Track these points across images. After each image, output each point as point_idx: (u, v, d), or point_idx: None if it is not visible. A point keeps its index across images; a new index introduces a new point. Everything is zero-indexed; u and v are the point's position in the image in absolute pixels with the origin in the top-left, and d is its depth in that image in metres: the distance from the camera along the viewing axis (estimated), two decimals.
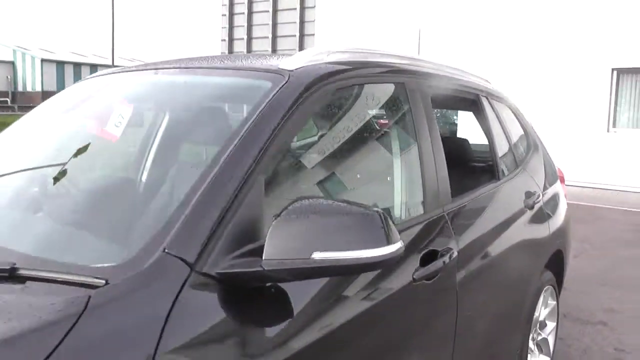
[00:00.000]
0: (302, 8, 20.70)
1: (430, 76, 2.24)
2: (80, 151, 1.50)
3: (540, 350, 3.14)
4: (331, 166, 1.79)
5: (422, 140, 2.00)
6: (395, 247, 1.22)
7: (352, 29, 13.89)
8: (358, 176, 1.93)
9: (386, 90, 2.00)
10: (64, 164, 1.47)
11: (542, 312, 3.07)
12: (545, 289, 3.05)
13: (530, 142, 3.29)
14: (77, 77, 56.85)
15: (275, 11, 21.56)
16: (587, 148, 10.08)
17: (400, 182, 1.95)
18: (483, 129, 2.81)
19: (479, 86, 2.83)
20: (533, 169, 3.13)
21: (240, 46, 22.58)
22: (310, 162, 1.70)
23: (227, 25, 22.42)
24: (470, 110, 2.80)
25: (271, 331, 1.25)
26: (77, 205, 1.52)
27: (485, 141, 2.87)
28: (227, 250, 1.21)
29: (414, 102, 2.02)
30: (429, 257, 1.78)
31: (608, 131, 10.34)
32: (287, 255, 1.16)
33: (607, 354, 3.68)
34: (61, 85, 54.86)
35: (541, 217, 2.96)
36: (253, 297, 1.25)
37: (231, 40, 23.03)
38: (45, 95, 50.11)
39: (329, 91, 1.64)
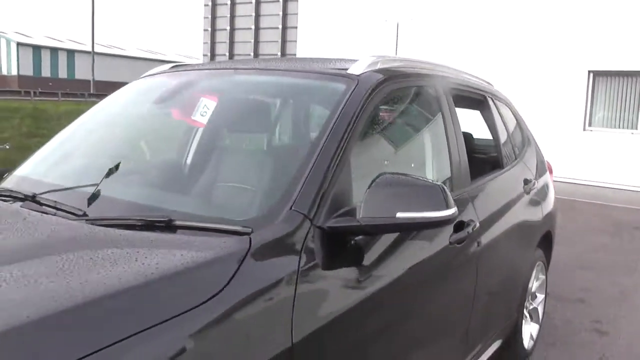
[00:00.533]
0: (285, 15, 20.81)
1: (452, 80, 2.69)
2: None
3: (532, 318, 3.62)
4: (392, 149, 2.22)
5: (449, 133, 2.44)
6: (452, 211, 1.65)
7: (334, 28, 14.24)
8: (408, 158, 2.37)
9: (423, 91, 2.43)
10: (190, 141, 1.87)
11: (534, 284, 3.56)
12: (537, 264, 3.53)
13: (524, 137, 3.77)
14: (54, 62, 56.06)
15: (257, 15, 21.63)
16: (564, 145, 10.66)
17: (437, 164, 2.40)
18: (488, 125, 3.27)
19: (485, 88, 3.29)
20: (528, 160, 3.61)
21: (222, 48, 22.62)
22: (377, 146, 2.13)
23: (210, 29, 22.43)
24: (478, 109, 3.25)
25: (357, 270, 1.68)
26: (218, 172, 1.92)
27: (483, 135, 3.35)
28: (331, 211, 1.63)
29: (443, 101, 2.47)
30: (459, 226, 2.23)
31: (584, 130, 10.95)
32: (377, 214, 1.59)
33: (586, 325, 4.20)
34: (38, 71, 54.09)
35: (535, 201, 3.45)
36: (345, 246, 1.67)
37: (214, 30, 23.10)
38: (22, 79, 49.39)
39: (387, 91, 2.06)
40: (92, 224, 1.56)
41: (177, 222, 1.52)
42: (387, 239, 1.83)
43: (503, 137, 3.31)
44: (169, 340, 1.16)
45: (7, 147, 12.61)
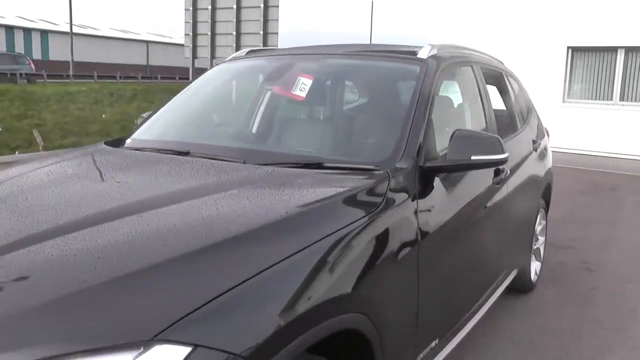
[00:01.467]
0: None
1: (482, 61, 3.39)
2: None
3: (535, 257, 4.39)
4: (452, 112, 2.93)
5: (484, 101, 3.14)
6: (506, 154, 2.35)
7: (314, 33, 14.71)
8: (462, 118, 3.07)
9: (466, 70, 3.12)
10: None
11: (538, 228, 4.31)
12: (540, 210, 4.29)
13: (529, 106, 4.49)
14: (28, 43, 55.05)
15: (238, 21, 21.78)
16: (545, 117, 11.39)
17: (478, 123, 3.09)
18: (503, 96, 3.97)
19: (501, 67, 3.99)
20: (532, 124, 4.34)
21: (204, 52, 22.66)
22: (443, 110, 2.82)
23: (191, 33, 22.42)
24: (497, 84, 3.95)
25: (440, 197, 2.37)
26: (344, 131, 2.60)
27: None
28: (426, 158, 2.30)
29: (479, 77, 3.16)
30: (496, 172, 2.94)
31: (563, 102, 11.76)
32: (458, 157, 2.27)
33: (577, 265, 5.00)
34: (11, 51, 53.11)
35: (540, 158, 4.19)
36: (431, 181, 2.34)
37: (195, 35, 23.11)
38: None
39: (447, 70, 2.75)
40: (258, 165, 2.20)
41: (327, 164, 2.20)
42: (456, 178, 2.53)
43: (515, 105, 4.03)
44: (352, 237, 1.75)
45: None
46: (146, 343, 1.20)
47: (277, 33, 20.99)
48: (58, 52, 53.68)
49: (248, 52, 3.39)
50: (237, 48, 21.66)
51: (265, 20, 21.33)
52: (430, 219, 2.20)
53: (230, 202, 1.83)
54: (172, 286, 1.35)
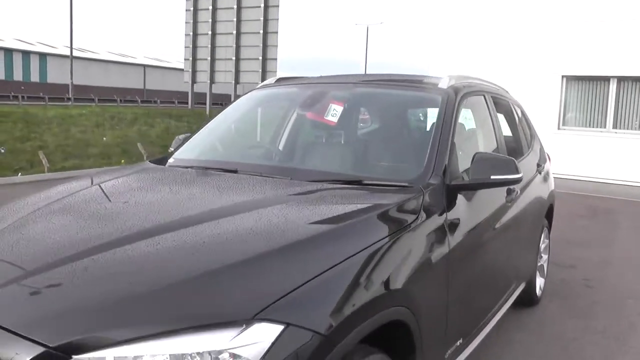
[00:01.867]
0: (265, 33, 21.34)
1: (493, 90, 3.71)
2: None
3: (539, 273, 4.66)
4: (466, 136, 3.24)
5: (496, 127, 3.45)
6: (521, 174, 2.64)
7: (312, 33, 15.14)
8: (476, 142, 3.37)
9: (481, 98, 3.44)
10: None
11: (542, 246, 4.60)
12: (544, 229, 4.58)
13: (532, 132, 4.82)
14: (26, 65, 55.51)
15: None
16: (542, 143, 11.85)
17: (491, 146, 3.39)
18: (510, 124, 4.29)
19: (508, 95, 4.32)
20: (536, 149, 4.66)
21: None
22: (460, 135, 3.12)
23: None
24: (503, 111, 4.27)
25: (462, 211, 2.65)
26: (376, 152, 2.89)
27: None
28: (451, 177, 2.58)
29: (490, 105, 3.48)
30: (508, 192, 3.23)
31: (558, 129, 12.18)
32: (480, 176, 2.56)
33: (578, 282, 5.28)
34: (10, 74, 53.51)
35: (544, 180, 4.50)
36: (455, 198, 2.63)
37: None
38: None
39: (464, 99, 3.05)
40: (307, 181, 2.48)
41: (366, 182, 2.48)
42: (475, 195, 2.81)
43: (521, 131, 4.35)
44: (398, 242, 2.03)
45: (3, 150, 13.15)
46: (248, 321, 1.47)
47: (276, 59, 21.48)
48: (56, 75, 54.09)
49: (277, 80, 3.70)
50: (237, 73, 22.01)
51: (265, 46, 21.75)
52: (456, 230, 2.48)
53: (293, 211, 2.12)
54: (263, 276, 1.62)
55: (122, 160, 13.49)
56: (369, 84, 3.33)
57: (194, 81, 23.25)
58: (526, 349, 3.73)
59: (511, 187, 3.25)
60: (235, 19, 21.33)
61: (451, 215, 2.48)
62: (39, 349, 1.41)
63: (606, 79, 11.72)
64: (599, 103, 11.94)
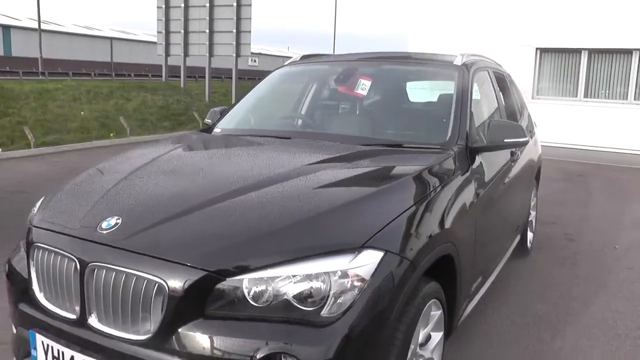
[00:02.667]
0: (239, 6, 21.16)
1: (494, 66, 4.22)
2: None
3: (529, 228, 5.25)
4: (490, 106, 3.73)
5: (498, 97, 3.96)
6: (528, 137, 3.16)
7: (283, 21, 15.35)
8: (486, 110, 3.87)
9: (485, 73, 3.92)
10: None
11: (531, 202, 5.18)
12: (533, 189, 5.16)
13: (522, 102, 5.36)
14: None
15: (212, 6, 21.83)
16: None
17: (497, 115, 3.89)
18: (505, 95, 4.80)
19: (504, 70, 4.83)
20: (527, 118, 5.20)
21: (177, 49, 22.63)
22: (481, 106, 3.60)
23: (164, 31, 22.32)
24: (500, 86, 4.77)
25: (481, 169, 3.14)
26: (410, 120, 3.37)
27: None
28: (471, 140, 3.06)
29: (493, 79, 3.98)
30: (512, 153, 3.75)
31: (532, 98, 12.82)
32: (495, 139, 3.06)
33: (560, 236, 5.91)
34: None
35: (534, 145, 5.05)
36: (474, 159, 3.11)
37: (167, 32, 23.15)
38: None
39: (475, 74, 3.54)
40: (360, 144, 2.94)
41: (405, 145, 2.96)
42: (490, 156, 3.31)
43: (514, 101, 4.88)
44: (444, 192, 2.52)
45: None
46: (359, 249, 1.94)
47: (249, 31, 21.53)
48: (20, 48, 52.67)
49: (302, 57, 4.13)
50: (211, 46, 22.00)
51: (239, 19, 21.75)
52: (479, 184, 2.99)
53: (362, 166, 2.60)
54: (364, 215, 2.09)
55: (112, 134, 13.65)
56: (394, 61, 3.79)
57: (167, 54, 23.13)
58: (523, 289, 4.31)
59: (514, 149, 3.77)
60: None
61: (474, 171, 2.98)
62: (202, 273, 1.86)
63: (578, 51, 12.36)
64: (571, 74, 12.61)
